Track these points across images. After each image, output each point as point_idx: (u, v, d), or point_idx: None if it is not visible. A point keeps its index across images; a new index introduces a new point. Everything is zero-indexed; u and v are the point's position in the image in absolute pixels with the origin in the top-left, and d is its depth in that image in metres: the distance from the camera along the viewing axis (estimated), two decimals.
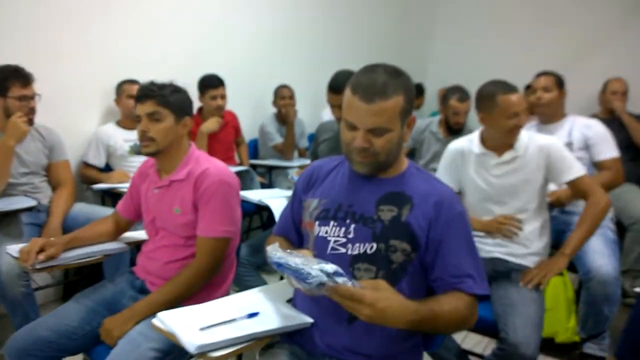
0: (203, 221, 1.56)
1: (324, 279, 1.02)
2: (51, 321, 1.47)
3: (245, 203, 2.06)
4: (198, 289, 1.56)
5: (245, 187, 2.63)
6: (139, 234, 1.86)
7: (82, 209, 2.41)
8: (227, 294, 1.66)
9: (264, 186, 3.21)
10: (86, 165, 2.78)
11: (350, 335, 1.21)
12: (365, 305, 1.01)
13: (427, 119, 3.37)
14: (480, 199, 1.95)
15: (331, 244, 1.24)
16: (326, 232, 1.25)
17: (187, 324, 1.20)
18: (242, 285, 2.20)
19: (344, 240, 1.23)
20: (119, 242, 1.81)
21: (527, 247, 1.88)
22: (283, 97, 3.64)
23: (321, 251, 1.24)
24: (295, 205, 1.41)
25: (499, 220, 1.90)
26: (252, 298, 1.40)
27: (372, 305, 1.01)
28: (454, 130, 3.05)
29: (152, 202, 1.66)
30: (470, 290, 1.17)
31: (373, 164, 1.21)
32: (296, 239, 1.42)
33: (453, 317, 1.14)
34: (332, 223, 1.25)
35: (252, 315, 1.27)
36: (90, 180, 2.72)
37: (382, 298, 1.02)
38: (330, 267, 1.03)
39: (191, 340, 1.12)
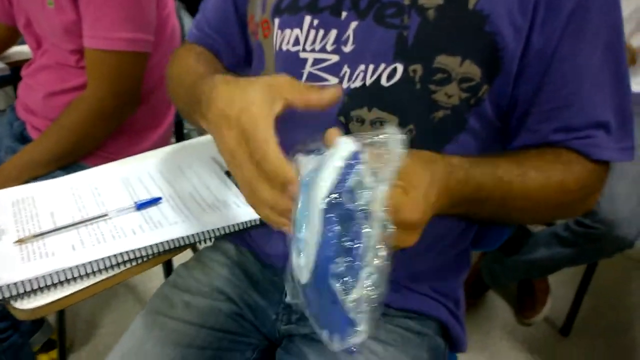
0: (87, 22, 0.88)
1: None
2: None
3: None
4: (101, 139, 0.96)
5: None
6: (26, 49, 1.19)
7: None
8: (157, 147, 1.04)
9: None
10: None
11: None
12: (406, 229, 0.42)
13: None
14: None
15: (308, 67, 0.56)
16: (296, 41, 0.57)
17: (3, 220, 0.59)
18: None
19: (333, 57, 0.55)
20: None
21: None
22: None
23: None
24: None
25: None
26: (162, 162, 0.76)
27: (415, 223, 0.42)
28: None
29: None
30: (599, 154, 0.53)
31: None
32: (236, 55, 0.72)
33: (551, 197, 0.53)
34: (307, 20, 0.56)
35: (148, 203, 0.65)
36: None
37: (421, 195, 0.43)
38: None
39: None
